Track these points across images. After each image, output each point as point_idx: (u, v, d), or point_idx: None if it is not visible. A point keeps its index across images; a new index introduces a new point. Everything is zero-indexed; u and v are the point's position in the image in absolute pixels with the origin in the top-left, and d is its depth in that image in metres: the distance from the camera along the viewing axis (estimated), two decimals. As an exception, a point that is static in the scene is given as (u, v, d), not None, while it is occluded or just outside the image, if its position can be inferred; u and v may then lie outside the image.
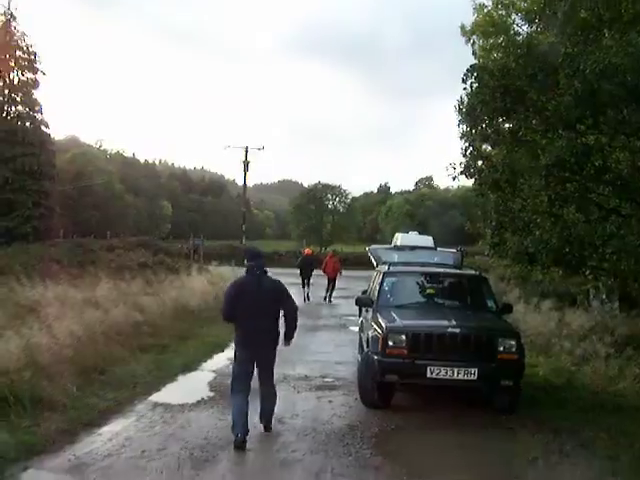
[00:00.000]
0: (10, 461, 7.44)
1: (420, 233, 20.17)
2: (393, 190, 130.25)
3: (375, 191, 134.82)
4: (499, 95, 11.52)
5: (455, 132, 13.34)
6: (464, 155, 13.13)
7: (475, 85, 12.19)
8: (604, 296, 20.46)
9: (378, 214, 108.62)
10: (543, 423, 10.05)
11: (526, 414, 10.49)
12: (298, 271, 29.10)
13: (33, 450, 7.83)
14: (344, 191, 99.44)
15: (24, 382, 9.42)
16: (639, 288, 16.08)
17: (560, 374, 13.24)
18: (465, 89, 12.52)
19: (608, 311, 19.36)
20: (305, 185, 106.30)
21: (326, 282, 28.63)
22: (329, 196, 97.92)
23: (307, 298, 27.66)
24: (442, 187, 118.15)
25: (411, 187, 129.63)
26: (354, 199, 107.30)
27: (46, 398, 9.35)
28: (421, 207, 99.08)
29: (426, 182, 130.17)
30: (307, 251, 31.76)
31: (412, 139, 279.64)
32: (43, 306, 14.85)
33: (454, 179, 13.54)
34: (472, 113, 12.32)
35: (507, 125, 12.50)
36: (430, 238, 17.38)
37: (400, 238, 16.65)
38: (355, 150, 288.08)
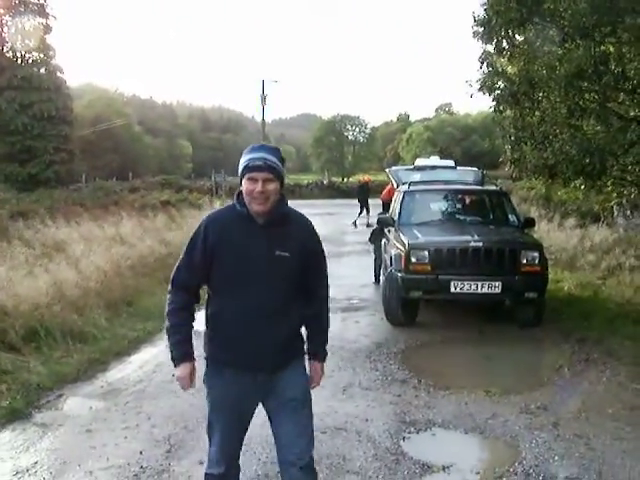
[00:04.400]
0: (46, 389, 7.58)
1: (441, 158, 20.13)
2: (413, 118, 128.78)
3: (395, 120, 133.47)
4: (514, 5, 11.29)
5: (475, 54, 13.20)
6: (481, 70, 12.96)
7: (489, -5, 11.96)
8: (628, 211, 20.38)
9: (399, 142, 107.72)
10: (569, 334, 10.10)
11: (551, 326, 10.56)
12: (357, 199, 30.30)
13: (67, 379, 7.98)
14: (364, 121, 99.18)
15: (54, 316, 9.56)
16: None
17: (585, 288, 13.26)
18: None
19: (632, 226, 19.32)
20: (324, 118, 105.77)
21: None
22: (349, 127, 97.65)
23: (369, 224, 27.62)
24: (462, 113, 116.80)
25: (431, 114, 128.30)
26: (374, 129, 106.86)
27: (76, 330, 9.48)
28: (441, 133, 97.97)
29: (446, 108, 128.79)
30: (366, 178, 32.51)
31: (430, 66, 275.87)
32: (69, 245, 15.02)
33: (471, 96, 13.39)
34: (487, 25, 12.11)
35: (523, 37, 12.27)
36: (451, 161, 17.32)
37: (420, 162, 16.61)
38: (373, 80, 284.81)
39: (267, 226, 3.84)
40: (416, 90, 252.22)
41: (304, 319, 4.11)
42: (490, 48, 12.83)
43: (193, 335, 4.08)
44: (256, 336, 3.84)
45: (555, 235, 18.87)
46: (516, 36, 12.27)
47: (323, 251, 4.20)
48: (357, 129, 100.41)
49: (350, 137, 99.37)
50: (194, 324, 4.08)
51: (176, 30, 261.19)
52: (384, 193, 28.32)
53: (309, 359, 4.23)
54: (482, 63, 12.87)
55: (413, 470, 5.45)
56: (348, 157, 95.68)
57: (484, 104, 22.10)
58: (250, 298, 3.81)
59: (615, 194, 16.45)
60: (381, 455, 5.72)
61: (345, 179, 77.71)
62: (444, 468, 5.49)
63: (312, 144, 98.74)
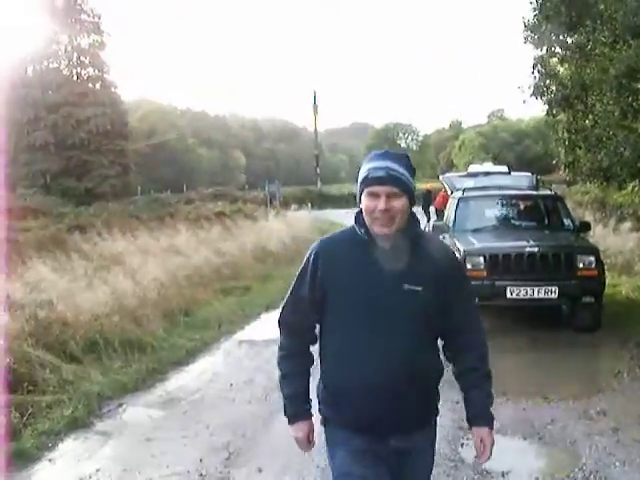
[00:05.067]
0: (106, 398, 7.72)
1: (495, 164, 20.03)
2: (465, 125, 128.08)
3: (447, 127, 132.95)
4: (564, 9, 11.23)
5: (526, 59, 13.18)
6: (533, 75, 12.92)
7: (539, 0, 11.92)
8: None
9: (451, 149, 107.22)
10: (627, 339, 9.93)
11: (609, 331, 10.39)
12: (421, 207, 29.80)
13: (126, 388, 8.10)
14: (416, 129, 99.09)
15: (113, 326, 9.71)
16: None
17: (643, 292, 13.07)
18: (531, 3, 12.24)
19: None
20: (377, 126, 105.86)
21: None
22: (401, 135, 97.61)
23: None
24: (514, 119, 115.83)
25: (483, 121, 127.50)
26: (426, 136, 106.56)
27: (135, 340, 9.62)
28: (494, 139, 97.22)
29: (498, 114, 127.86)
30: (429, 186, 32.61)
31: (482, 72, 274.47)
32: (126, 256, 15.24)
33: (524, 102, 13.35)
34: (537, 30, 12.07)
35: (574, 40, 12.20)
36: (504, 167, 17.22)
37: (473, 169, 16.54)
38: (425, 88, 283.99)
39: (394, 253, 3.05)
40: (468, 97, 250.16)
41: (440, 373, 3.22)
42: (542, 52, 12.78)
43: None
44: (381, 394, 3.02)
45: (611, 239, 18.58)
46: (567, 40, 12.22)
47: (469, 287, 3.41)
48: (409, 137, 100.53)
49: (403, 145, 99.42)
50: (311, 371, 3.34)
51: (226, 41, 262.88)
52: (437, 200, 28.33)
53: (469, 426, 3.32)
54: (534, 68, 12.82)
55: (472, 476, 5.44)
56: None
57: (537, 109, 22.05)
58: (372, 344, 3.03)
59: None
60: (440, 462, 5.68)
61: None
62: (503, 474, 5.47)
63: (365, 153, 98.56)
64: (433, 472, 3.35)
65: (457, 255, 10.17)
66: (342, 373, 3.12)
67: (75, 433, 6.76)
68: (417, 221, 3.18)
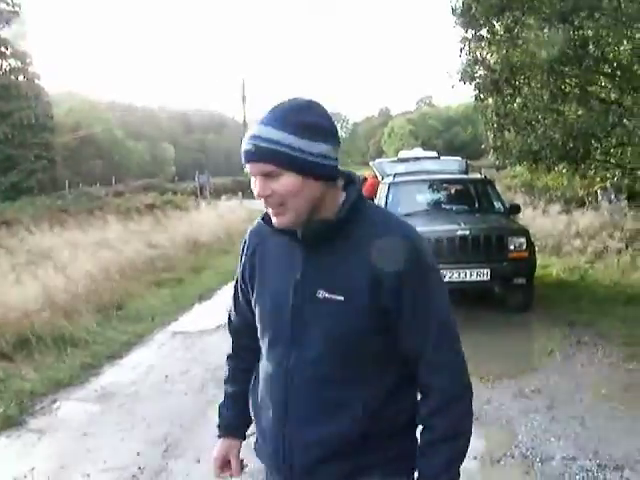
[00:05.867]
0: (39, 395, 7.55)
1: (424, 150, 20.22)
2: (394, 112, 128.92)
3: (376, 115, 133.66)
4: (493, -9, 11.33)
5: (454, 45, 13.26)
6: (460, 59, 13.02)
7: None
8: (612, 195, 20.47)
9: (380, 137, 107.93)
10: (558, 318, 10.15)
11: (541, 311, 10.64)
12: None
13: (59, 384, 7.94)
14: (345, 117, 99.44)
15: (44, 322, 9.53)
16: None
17: (573, 272, 13.37)
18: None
19: (617, 210, 19.41)
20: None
21: None
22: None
23: None
24: (443, 105, 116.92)
25: (412, 108, 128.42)
26: (356, 124, 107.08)
27: (67, 335, 9.44)
28: (423, 126, 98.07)
29: (427, 101, 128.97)
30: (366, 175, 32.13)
31: (410, 59, 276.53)
32: (55, 251, 14.98)
33: (452, 87, 13.48)
34: (467, 14, 12.14)
35: (502, 24, 12.32)
36: (434, 152, 17.39)
37: (404, 155, 16.67)
38: (353, 76, 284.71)
39: (307, 246, 2.21)
40: (396, 84, 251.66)
41: (399, 414, 2.26)
42: (470, 37, 12.87)
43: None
44: (285, 428, 2.25)
45: (540, 221, 18.90)
46: (495, 24, 12.32)
47: (436, 296, 2.21)
48: (339, 125, 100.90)
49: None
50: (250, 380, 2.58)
51: (154, 34, 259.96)
52: (365, 187, 28.34)
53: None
54: (461, 52, 12.91)
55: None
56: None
57: (465, 95, 22.26)
58: (277, 365, 2.28)
59: (599, 178, 16.55)
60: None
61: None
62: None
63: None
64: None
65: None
66: (253, 405, 2.50)
67: (8, 432, 6.59)
68: (352, 201, 2.18)
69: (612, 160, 13.40)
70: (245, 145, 2.11)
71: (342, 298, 2.11)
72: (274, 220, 2.18)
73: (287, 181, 2.07)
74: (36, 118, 47.38)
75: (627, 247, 14.11)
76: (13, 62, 49.34)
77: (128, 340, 9.91)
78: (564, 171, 14.10)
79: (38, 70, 51.49)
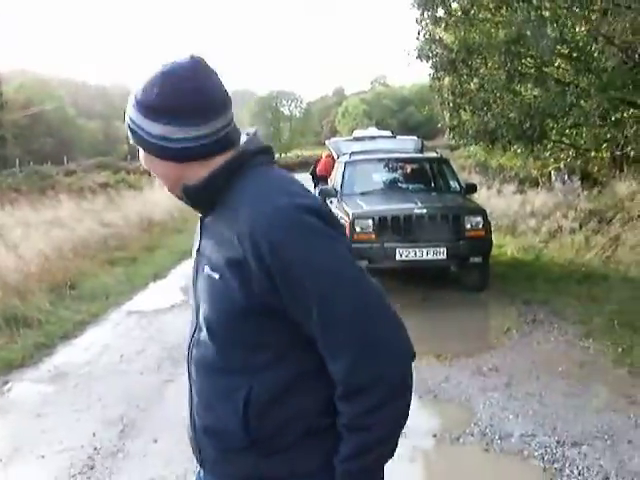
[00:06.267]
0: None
1: (379, 130, 20.17)
2: (348, 92, 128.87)
3: (330, 94, 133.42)
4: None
5: (410, 24, 13.25)
6: (418, 39, 13.00)
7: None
8: (566, 176, 20.66)
9: (335, 116, 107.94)
10: (514, 297, 10.20)
11: (497, 290, 10.66)
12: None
13: (12, 365, 7.79)
14: (299, 96, 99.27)
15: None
16: (599, 162, 16.20)
17: (528, 251, 13.48)
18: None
19: (570, 190, 19.58)
20: (260, 94, 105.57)
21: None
22: (285, 102, 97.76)
23: None
24: (397, 85, 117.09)
25: (366, 87, 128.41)
26: (310, 104, 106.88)
27: (19, 315, 9.27)
28: (377, 106, 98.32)
29: (381, 81, 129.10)
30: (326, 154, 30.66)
31: (364, 39, 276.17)
32: (6, 230, 14.72)
33: (408, 65, 13.47)
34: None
35: (459, 4, 12.32)
36: (388, 132, 17.37)
37: (359, 134, 16.62)
38: (307, 55, 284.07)
39: (203, 216, 2.09)
40: (351, 64, 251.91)
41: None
42: (426, 17, 12.86)
43: None
44: (190, 410, 2.11)
45: (495, 201, 18.99)
46: (452, 4, 12.32)
47: (312, 262, 1.79)
48: (293, 104, 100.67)
49: (286, 112, 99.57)
50: None
51: (107, 9, 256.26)
52: (319, 167, 27.87)
53: None
54: (419, 32, 12.91)
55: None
56: (285, 132, 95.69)
57: (419, 75, 22.27)
58: (188, 344, 2.13)
59: (553, 159, 16.68)
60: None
61: (283, 154, 77.69)
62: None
63: (249, 120, 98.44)
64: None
65: (346, 218, 10.52)
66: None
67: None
68: (222, 168, 1.95)
69: (567, 141, 13.49)
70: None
71: (217, 276, 1.89)
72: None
73: (142, 156, 2.03)
74: (-15, 95, 46.57)
75: (581, 227, 14.23)
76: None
77: (82, 320, 9.76)
78: (519, 151, 14.17)
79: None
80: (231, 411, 1.91)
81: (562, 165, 18.62)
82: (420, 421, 5.79)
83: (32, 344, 8.48)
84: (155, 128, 1.90)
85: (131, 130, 1.97)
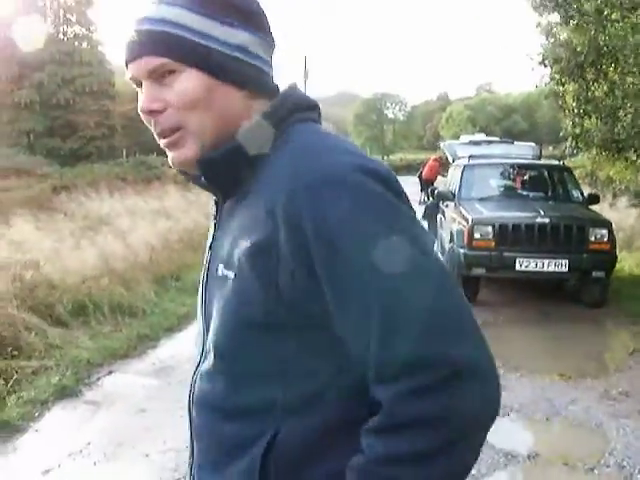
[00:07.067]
0: (95, 365, 7.27)
1: (487, 136, 19.73)
2: (453, 97, 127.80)
3: (435, 99, 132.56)
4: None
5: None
6: (547, 42, 12.52)
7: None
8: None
9: (438, 122, 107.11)
10: (636, 316, 9.59)
11: (616, 307, 10.15)
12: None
13: (116, 355, 7.65)
14: (403, 100, 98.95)
15: (102, 289, 9.28)
16: None
17: (647, 268, 12.80)
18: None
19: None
20: (365, 96, 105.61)
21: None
22: (389, 105, 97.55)
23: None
24: (502, 93, 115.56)
25: (471, 93, 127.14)
26: (414, 107, 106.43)
27: (125, 305, 9.18)
28: (481, 112, 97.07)
29: (486, 87, 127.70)
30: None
31: (472, 44, 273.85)
32: (114, 218, 14.80)
33: (532, 70, 12.98)
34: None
35: (591, 5, 11.75)
36: (497, 138, 16.96)
37: (466, 139, 16.25)
38: (414, 58, 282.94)
39: (221, 195, 1.51)
40: (457, 69, 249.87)
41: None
42: (554, 18, 12.37)
43: None
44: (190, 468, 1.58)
45: (608, 214, 18.28)
46: (584, 5, 11.76)
47: (377, 262, 1.19)
48: (397, 107, 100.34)
49: (390, 115, 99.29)
50: None
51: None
52: (425, 170, 27.38)
53: None
54: (547, 36, 12.42)
55: (497, 459, 5.01)
56: (388, 135, 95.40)
57: (526, 83, 21.69)
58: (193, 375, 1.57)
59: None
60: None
61: (385, 157, 77.47)
62: (529, 457, 5.06)
63: (353, 122, 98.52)
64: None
65: (465, 224, 10.17)
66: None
67: (63, 402, 6.30)
68: (271, 126, 1.38)
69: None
70: (128, 37, 1.39)
71: (232, 274, 1.33)
72: (170, 156, 1.45)
73: (188, 83, 1.34)
74: (98, 85, 47.73)
75: None
76: (77, 29, 49.61)
77: (186, 313, 9.57)
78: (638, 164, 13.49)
79: (102, 38, 51.70)
80: (243, 471, 1.35)
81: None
82: (550, 446, 5.37)
83: (136, 335, 8.35)
84: (231, 34, 1.37)
85: (180, 40, 1.33)
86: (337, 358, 1.30)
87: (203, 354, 1.48)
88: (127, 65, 1.39)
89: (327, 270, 1.22)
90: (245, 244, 1.29)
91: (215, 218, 1.53)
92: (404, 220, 1.27)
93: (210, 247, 1.50)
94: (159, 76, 1.35)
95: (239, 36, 1.37)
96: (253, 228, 1.29)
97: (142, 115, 1.40)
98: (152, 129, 1.42)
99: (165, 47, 1.33)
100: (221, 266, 1.38)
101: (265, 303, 1.28)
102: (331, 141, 1.37)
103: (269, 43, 1.44)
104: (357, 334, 1.24)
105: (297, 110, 1.43)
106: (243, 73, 1.37)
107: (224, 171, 1.39)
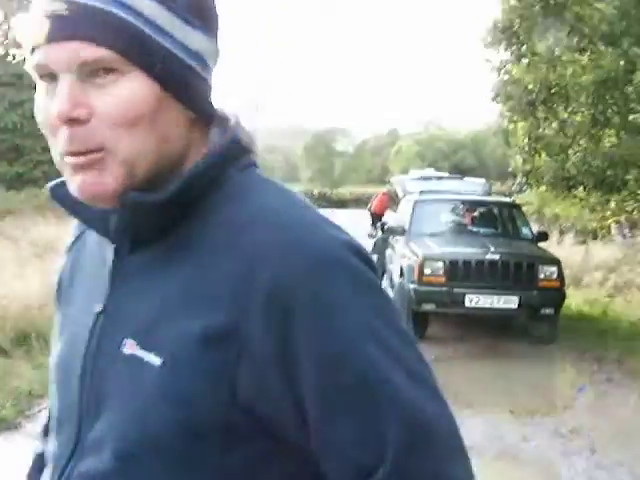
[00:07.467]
0: (37, 397, 7.12)
1: (436, 171, 19.95)
2: (402, 132, 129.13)
3: (384, 134, 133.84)
4: (539, 8, 10.96)
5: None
6: (498, 79, 12.71)
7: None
8: (626, 230, 20.12)
9: (387, 156, 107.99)
10: (584, 352, 9.72)
11: (565, 344, 10.20)
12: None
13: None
14: (353, 133, 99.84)
15: (46, 318, 9.08)
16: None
17: (594, 305, 12.98)
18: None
19: (630, 245, 19.05)
20: (314, 129, 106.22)
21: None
22: (338, 138, 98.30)
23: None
24: (450, 129, 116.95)
25: (420, 129, 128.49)
26: (363, 141, 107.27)
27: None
28: (430, 148, 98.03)
29: (436, 123, 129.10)
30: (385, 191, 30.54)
31: (420, 81, 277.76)
32: (61, 244, 14.55)
33: (484, 106, 13.15)
34: (507, 32, 11.81)
35: (543, 44, 11.96)
36: (446, 174, 17.14)
37: (416, 175, 16.39)
38: (363, 95, 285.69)
39: (127, 247, 1.09)
40: (406, 104, 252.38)
41: None
42: (506, 56, 12.56)
43: None
44: None
45: (554, 251, 18.49)
46: (536, 44, 11.98)
47: (390, 347, 0.96)
48: (346, 141, 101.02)
49: (339, 149, 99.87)
50: None
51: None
52: (375, 204, 27.48)
53: None
54: (498, 72, 12.60)
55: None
56: (337, 168, 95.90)
57: (475, 120, 22.03)
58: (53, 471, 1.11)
59: (613, 211, 16.20)
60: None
61: (334, 189, 77.83)
62: (481, 498, 5.03)
63: (302, 155, 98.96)
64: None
65: (415, 259, 10.21)
66: None
67: (2, 435, 6.13)
68: (221, 159, 1.07)
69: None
70: (48, 5, 0.99)
71: (158, 361, 0.98)
72: (77, 181, 1.03)
73: (132, 91, 0.97)
74: (46, 110, 47.28)
75: (650, 283, 13.71)
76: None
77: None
78: (591, 200, 13.72)
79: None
80: None
81: (623, 218, 18.10)
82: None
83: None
84: (191, 36, 1.03)
85: (132, 29, 0.97)
86: (296, 474, 1.02)
87: (76, 451, 1.06)
88: (37, 46, 1.01)
89: (322, 371, 0.95)
90: (187, 324, 0.97)
91: (112, 271, 1.10)
92: (393, 312, 1.03)
93: (101, 312, 1.09)
94: (89, 73, 0.97)
95: (199, 41, 1.04)
96: (203, 305, 0.98)
97: (47, 121, 1.01)
98: (54, 142, 1.02)
99: (112, 34, 0.95)
100: (131, 342, 1.01)
101: (212, 406, 0.96)
102: (298, 205, 1.07)
103: (218, 55, 1.11)
104: (355, 450, 0.95)
105: (244, 153, 1.12)
106: (195, 88, 1.05)
107: (156, 218, 1.04)
